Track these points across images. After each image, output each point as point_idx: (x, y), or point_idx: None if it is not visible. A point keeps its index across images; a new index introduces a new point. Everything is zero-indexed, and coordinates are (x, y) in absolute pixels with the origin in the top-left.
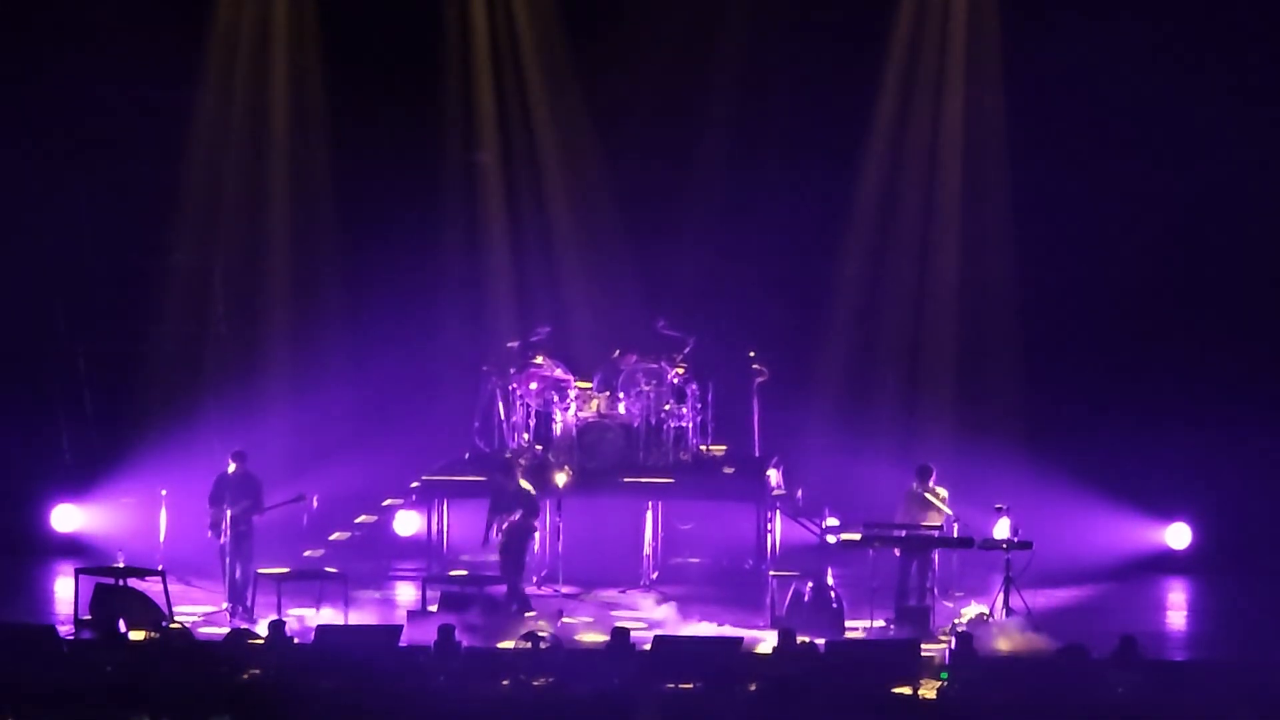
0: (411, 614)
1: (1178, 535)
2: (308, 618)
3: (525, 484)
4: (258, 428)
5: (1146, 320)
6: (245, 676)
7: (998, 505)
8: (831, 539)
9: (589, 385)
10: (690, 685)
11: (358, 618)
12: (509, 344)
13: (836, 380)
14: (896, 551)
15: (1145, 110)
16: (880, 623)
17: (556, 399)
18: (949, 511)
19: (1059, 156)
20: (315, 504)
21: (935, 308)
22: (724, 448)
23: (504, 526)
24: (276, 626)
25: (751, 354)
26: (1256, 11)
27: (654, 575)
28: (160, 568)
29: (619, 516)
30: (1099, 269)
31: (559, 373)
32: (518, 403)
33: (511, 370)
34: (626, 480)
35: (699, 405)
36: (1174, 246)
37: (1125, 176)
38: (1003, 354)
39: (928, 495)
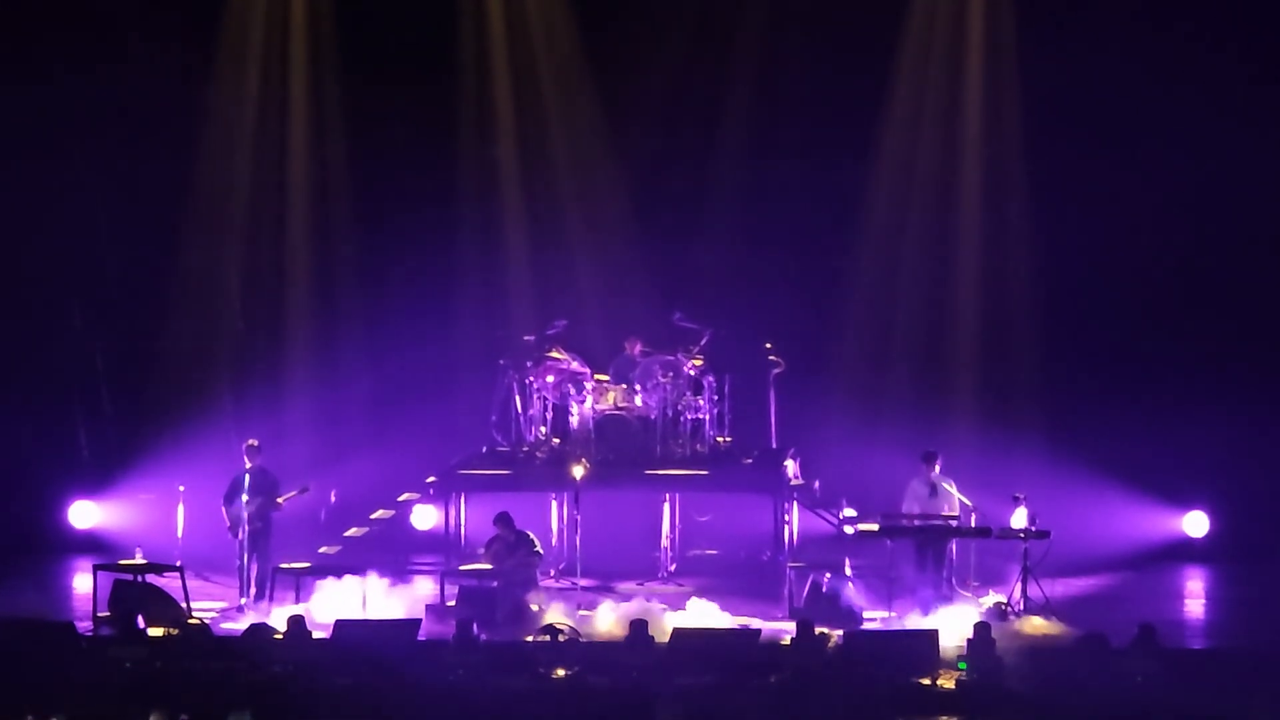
0: (430, 608)
1: (1196, 523)
2: (314, 611)
3: (528, 533)
4: (275, 423)
5: (1165, 309)
6: (265, 671)
7: (1015, 494)
8: (849, 530)
9: (605, 378)
10: (709, 678)
11: (376, 612)
12: (525, 337)
13: (854, 371)
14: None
15: (1166, 98)
16: (893, 614)
17: (573, 392)
18: (968, 501)
19: (1077, 146)
20: (334, 498)
21: (953, 298)
22: (728, 439)
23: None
24: (295, 621)
25: (768, 345)
26: None
27: (672, 567)
28: (178, 563)
29: (637, 509)
30: (1119, 259)
31: (575, 366)
32: (535, 396)
33: (528, 364)
34: (646, 473)
35: (716, 397)
36: (1194, 236)
37: (1145, 167)
38: (1021, 344)
39: (946, 483)
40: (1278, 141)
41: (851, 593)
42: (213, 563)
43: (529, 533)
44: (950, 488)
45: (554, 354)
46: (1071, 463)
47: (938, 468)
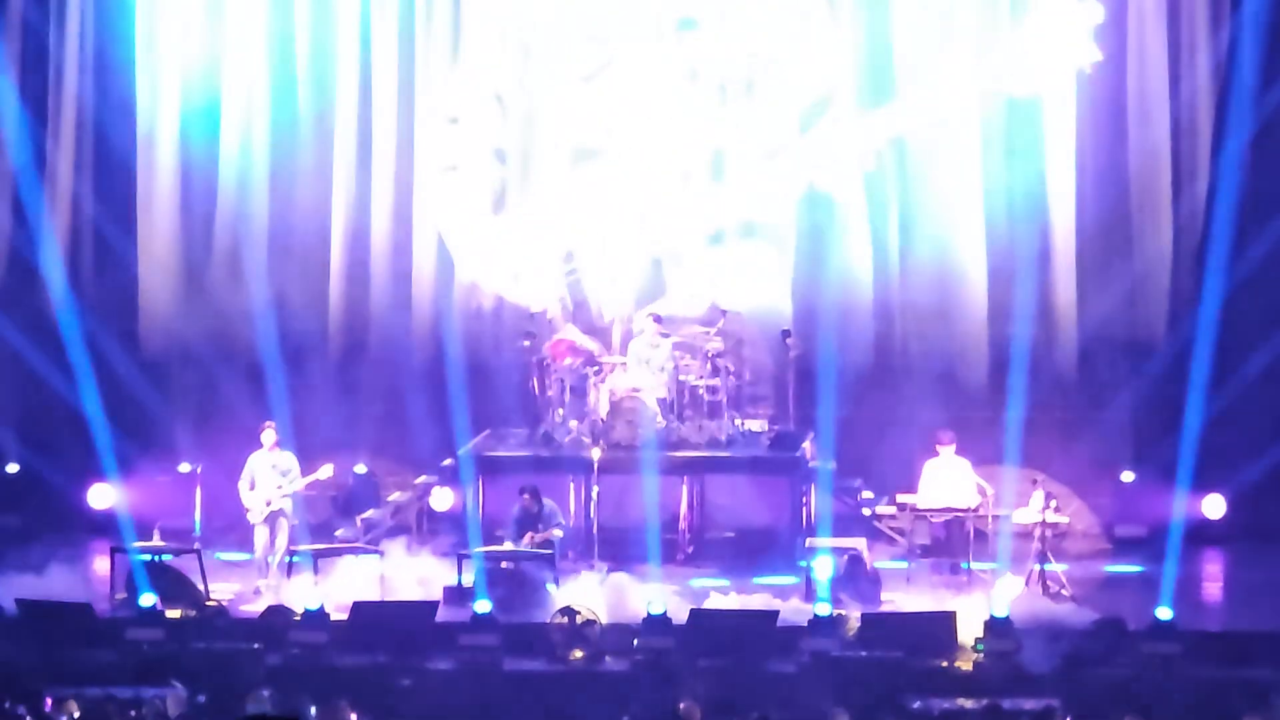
0: (447, 589)
1: (1213, 505)
2: (331, 593)
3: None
4: (294, 404)
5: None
6: (282, 653)
7: (1033, 478)
8: (866, 512)
9: (623, 359)
10: (727, 660)
11: (394, 594)
12: (547, 317)
13: (872, 351)
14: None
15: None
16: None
17: (591, 373)
18: (985, 484)
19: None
20: (352, 480)
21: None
22: (744, 422)
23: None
24: (313, 603)
25: (786, 329)
26: None
27: (690, 549)
28: (196, 545)
29: (655, 491)
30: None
31: (593, 347)
32: (552, 377)
33: (546, 345)
34: (664, 455)
35: (733, 379)
36: (1210, 208)
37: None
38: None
39: (962, 466)
40: None
41: (868, 575)
42: (230, 544)
43: (553, 504)
44: (967, 470)
45: (571, 335)
46: (1089, 443)
47: (954, 450)
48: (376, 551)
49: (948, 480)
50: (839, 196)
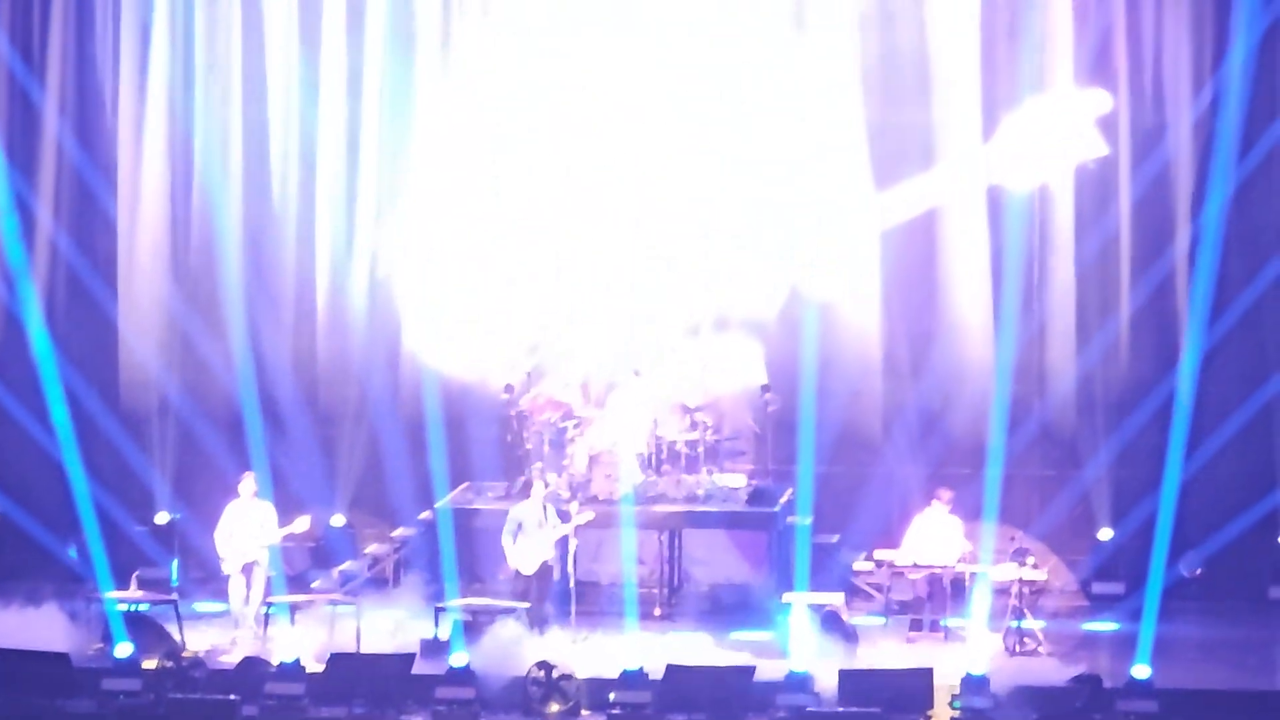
0: (424, 642)
1: (1190, 563)
2: (307, 645)
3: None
4: (273, 455)
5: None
6: (259, 704)
7: (1011, 534)
8: (845, 565)
9: (602, 413)
10: (703, 715)
11: (370, 645)
12: (526, 371)
13: (851, 406)
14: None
15: None
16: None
17: (570, 427)
18: (968, 544)
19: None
20: (329, 531)
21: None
22: (725, 476)
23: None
24: (289, 654)
25: (764, 384)
26: None
27: (667, 604)
28: (173, 595)
29: (631, 545)
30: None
31: (572, 400)
32: (531, 431)
33: (525, 399)
34: (641, 509)
35: (711, 433)
36: (1191, 267)
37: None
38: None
39: (952, 523)
40: None
41: (846, 629)
42: (208, 594)
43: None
44: (957, 528)
45: (550, 389)
46: (1067, 499)
47: (949, 509)
48: (353, 603)
49: (936, 536)
50: (831, 270)
